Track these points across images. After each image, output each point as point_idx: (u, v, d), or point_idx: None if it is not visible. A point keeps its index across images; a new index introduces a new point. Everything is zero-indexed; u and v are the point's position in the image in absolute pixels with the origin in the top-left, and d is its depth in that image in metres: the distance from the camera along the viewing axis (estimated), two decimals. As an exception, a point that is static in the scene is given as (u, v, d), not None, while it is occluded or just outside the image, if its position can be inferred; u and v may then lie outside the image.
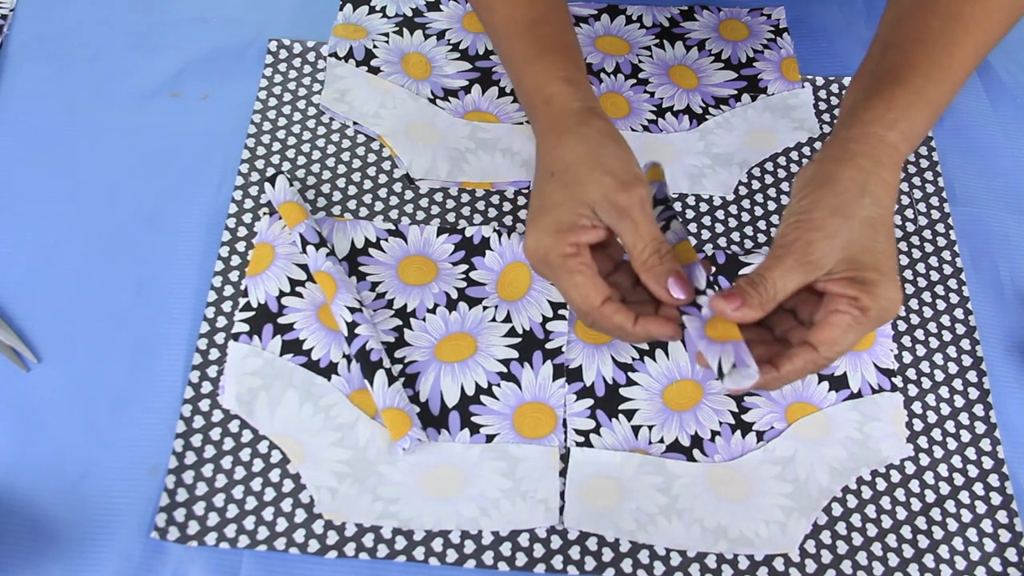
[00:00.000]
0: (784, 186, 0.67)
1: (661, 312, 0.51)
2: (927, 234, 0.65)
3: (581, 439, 0.56)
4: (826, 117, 0.71)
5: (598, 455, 0.56)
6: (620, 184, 0.50)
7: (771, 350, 0.49)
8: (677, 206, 0.65)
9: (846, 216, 0.47)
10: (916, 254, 0.64)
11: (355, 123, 0.68)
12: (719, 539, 0.53)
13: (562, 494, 0.54)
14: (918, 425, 0.58)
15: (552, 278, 0.52)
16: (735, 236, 0.65)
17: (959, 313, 0.62)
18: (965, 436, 0.58)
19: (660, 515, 0.54)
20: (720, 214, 0.65)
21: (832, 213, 0.47)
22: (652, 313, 0.51)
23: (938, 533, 0.55)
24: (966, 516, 0.55)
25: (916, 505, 0.55)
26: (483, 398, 0.57)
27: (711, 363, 0.48)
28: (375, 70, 0.70)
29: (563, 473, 0.55)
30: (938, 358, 0.61)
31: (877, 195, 0.48)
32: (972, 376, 0.60)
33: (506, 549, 0.53)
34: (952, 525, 0.55)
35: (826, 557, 0.54)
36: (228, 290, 0.60)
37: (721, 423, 0.57)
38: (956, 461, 0.57)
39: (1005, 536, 0.55)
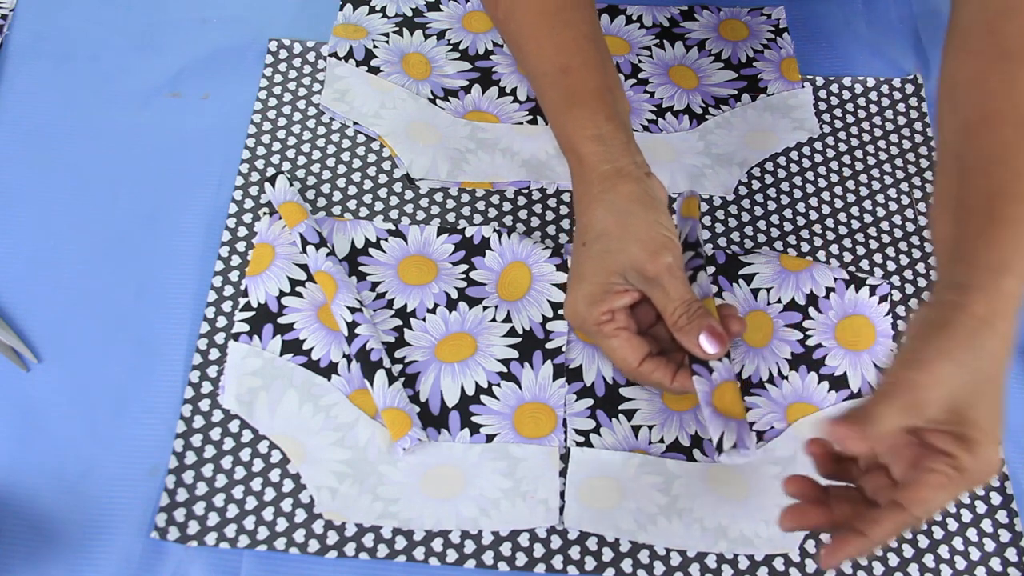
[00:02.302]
0: (784, 186, 0.67)
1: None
2: (927, 234, 0.65)
3: (581, 439, 0.56)
4: (826, 117, 0.71)
5: (598, 455, 0.56)
6: (648, 254, 0.51)
7: (856, 510, 0.46)
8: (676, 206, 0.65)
9: (959, 364, 0.44)
10: (916, 254, 0.64)
11: (355, 123, 0.68)
12: (719, 539, 0.53)
13: (562, 494, 0.54)
14: (918, 425, 0.58)
15: (592, 341, 0.57)
16: (735, 236, 0.65)
17: (959, 313, 0.62)
18: (965, 436, 0.58)
19: (660, 515, 0.54)
20: (720, 214, 0.65)
21: (945, 358, 0.44)
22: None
23: (938, 533, 0.55)
24: (966, 516, 0.55)
25: (916, 505, 0.55)
26: (483, 398, 0.57)
27: (712, 435, 0.50)
28: (375, 70, 0.70)
29: (563, 473, 0.55)
30: (938, 358, 0.60)
31: (992, 349, 0.44)
32: (972, 376, 0.60)
33: (506, 549, 0.53)
34: (952, 525, 0.55)
35: (826, 557, 0.54)
36: (228, 290, 0.60)
37: (721, 423, 0.57)
38: (956, 461, 0.57)
39: (1005, 536, 0.55)
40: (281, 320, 0.59)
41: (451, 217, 0.65)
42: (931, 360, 0.44)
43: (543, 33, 0.57)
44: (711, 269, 0.61)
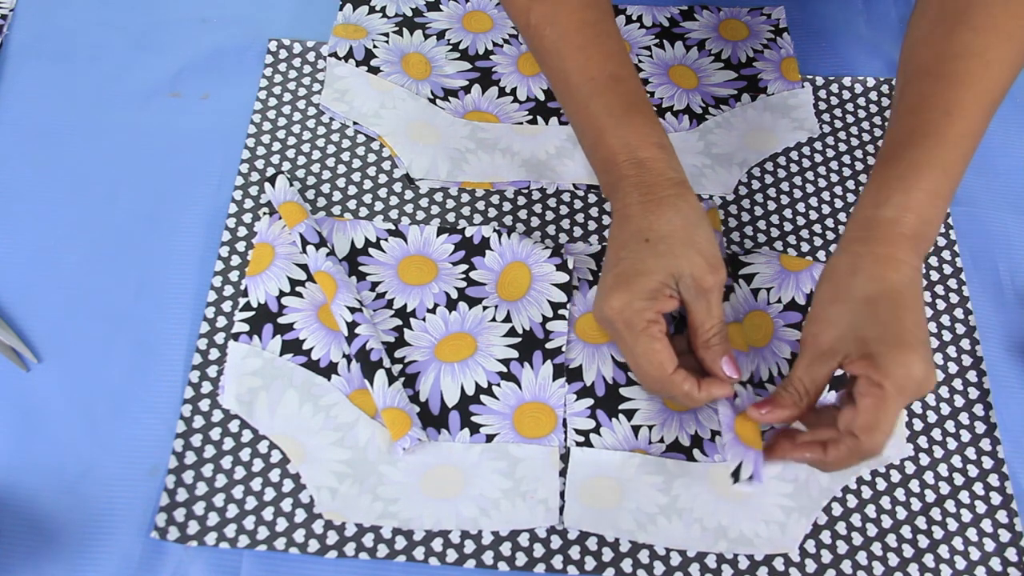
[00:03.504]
0: (784, 186, 0.67)
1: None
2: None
3: (581, 439, 0.56)
4: (826, 117, 0.71)
5: (598, 455, 0.56)
6: (709, 266, 0.52)
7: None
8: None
9: (842, 301, 0.50)
10: (916, 254, 0.64)
11: (355, 123, 0.68)
12: (719, 539, 0.53)
13: (562, 494, 0.54)
14: (918, 425, 0.58)
15: (629, 340, 0.52)
16: (735, 236, 0.65)
17: (959, 313, 0.62)
18: (965, 436, 0.58)
19: (660, 515, 0.54)
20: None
21: (829, 302, 0.50)
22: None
23: (938, 533, 0.55)
24: (966, 516, 0.55)
25: (916, 505, 0.55)
26: (483, 398, 0.57)
27: (731, 462, 0.51)
28: (375, 70, 0.70)
29: (563, 473, 0.55)
30: (938, 358, 0.61)
31: (870, 272, 0.50)
32: (972, 376, 0.60)
33: (506, 549, 0.53)
34: (952, 525, 0.55)
35: (826, 557, 0.54)
36: (228, 290, 0.60)
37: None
38: (956, 461, 0.57)
39: (1005, 536, 0.55)
40: (281, 320, 0.59)
41: (451, 217, 0.65)
42: (820, 309, 0.50)
43: (588, 41, 0.57)
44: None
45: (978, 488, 0.56)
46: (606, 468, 0.55)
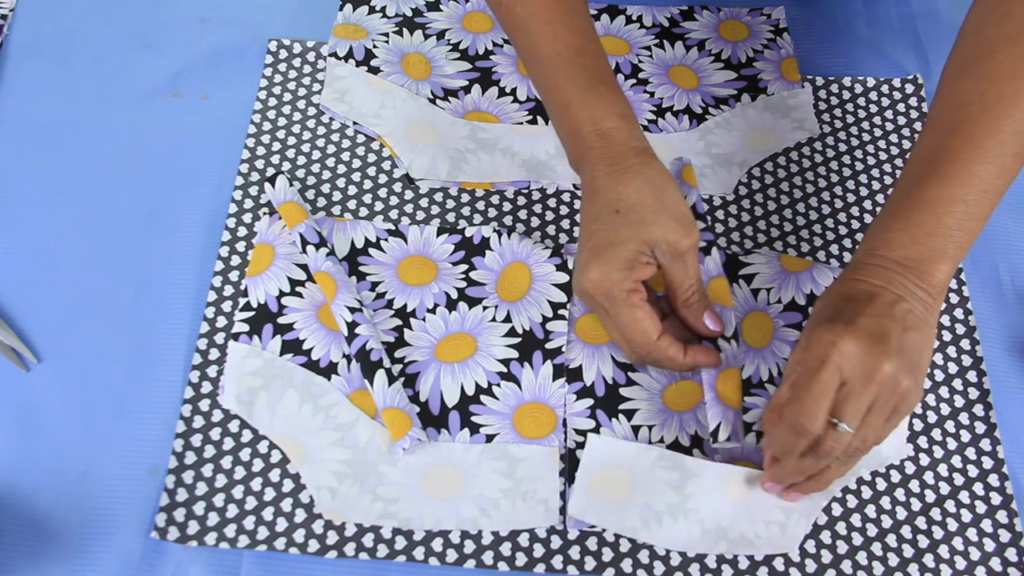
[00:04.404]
0: (784, 186, 0.67)
1: (704, 342, 0.56)
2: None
3: (581, 439, 0.56)
4: (826, 117, 0.71)
5: (614, 443, 0.56)
6: (682, 228, 0.53)
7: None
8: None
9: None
10: (916, 254, 0.64)
11: (355, 123, 0.68)
12: (719, 540, 0.53)
13: (562, 494, 0.54)
14: (918, 425, 0.58)
15: (611, 311, 0.54)
16: (735, 236, 0.65)
17: (959, 313, 0.62)
18: (965, 436, 0.58)
19: (667, 513, 0.53)
20: (720, 214, 0.65)
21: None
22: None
23: (938, 533, 0.55)
24: (966, 516, 0.55)
25: (916, 505, 0.55)
26: (483, 398, 0.57)
27: (710, 422, 0.53)
28: (375, 70, 0.70)
29: (566, 463, 0.55)
30: (938, 358, 0.61)
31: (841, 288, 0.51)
32: (972, 376, 0.60)
33: (506, 549, 0.53)
34: (952, 525, 0.55)
35: (826, 557, 0.54)
36: (228, 290, 0.60)
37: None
38: (956, 461, 0.57)
39: (1005, 536, 0.55)
40: (281, 320, 0.59)
41: (451, 217, 0.65)
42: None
43: (556, 17, 0.58)
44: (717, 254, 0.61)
45: (978, 488, 0.56)
46: (622, 457, 0.55)
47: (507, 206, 0.65)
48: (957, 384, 0.60)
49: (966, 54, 0.53)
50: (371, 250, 0.62)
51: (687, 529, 0.53)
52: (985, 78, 0.51)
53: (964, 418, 0.58)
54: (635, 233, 0.53)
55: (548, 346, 0.59)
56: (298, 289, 0.60)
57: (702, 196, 0.66)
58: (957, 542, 0.54)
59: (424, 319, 0.60)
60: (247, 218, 0.63)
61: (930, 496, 0.56)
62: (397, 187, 0.65)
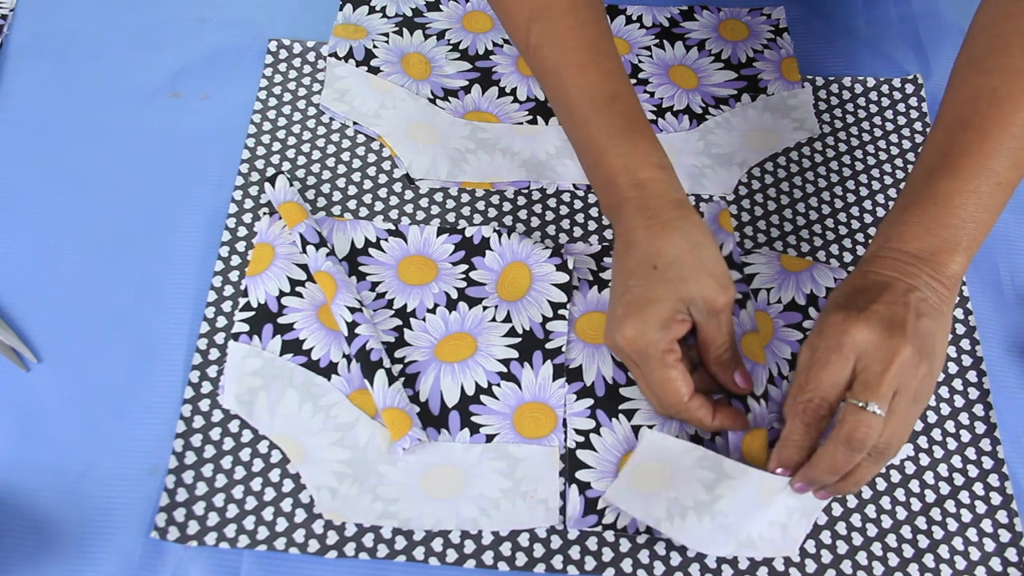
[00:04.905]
0: (784, 186, 0.67)
1: (734, 403, 0.56)
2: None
3: (581, 439, 0.56)
4: (826, 117, 0.71)
5: (664, 439, 0.55)
6: (719, 287, 0.52)
7: None
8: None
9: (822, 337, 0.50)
10: (916, 254, 0.64)
11: (355, 123, 0.68)
12: (729, 540, 0.52)
13: (562, 494, 0.54)
14: (918, 425, 0.58)
15: (644, 369, 0.53)
16: (735, 236, 0.65)
17: (959, 313, 0.62)
18: (965, 436, 0.58)
19: (692, 510, 0.52)
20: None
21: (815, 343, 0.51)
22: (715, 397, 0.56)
23: (938, 533, 0.55)
24: (966, 516, 0.55)
25: (916, 505, 0.55)
26: (483, 398, 0.57)
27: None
28: (375, 70, 0.70)
29: (566, 469, 0.55)
30: (938, 358, 0.61)
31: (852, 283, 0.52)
32: (972, 376, 0.60)
33: (506, 549, 0.53)
34: (952, 525, 0.55)
35: (826, 557, 0.53)
36: (228, 290, 0.60)
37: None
38: (956, 461, 0.57)
39: (1005, 536, 0.55)
40: (281, 320, 0.59)
41: (451, 217, 0.65)
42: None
43: (587, 59, 0.57)
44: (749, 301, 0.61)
45: (978, 488, 0.56)
46: (670, 454, 0.54)
47: (507, 206, 0.65)
48: (957, 384, 0.60)
49: (977, 50, 0.53)
50: (371, 250, 0.62)
51: (709, 528, 0.52)
52: (997, 73, 0.51)
53: (964, 418, 0.58)
54: (673, 291, 0.52)
55: (548, 346, 0.59)
56: (298, 289, 0.60)
57: (702, 196, 0.66)
58: (957, 542, 0.54)
59: (424, 319, 0.60)
60: (247, 218, 0.63)
61: (930, 496, 0.56)
62: (397, 187, 0.65)
